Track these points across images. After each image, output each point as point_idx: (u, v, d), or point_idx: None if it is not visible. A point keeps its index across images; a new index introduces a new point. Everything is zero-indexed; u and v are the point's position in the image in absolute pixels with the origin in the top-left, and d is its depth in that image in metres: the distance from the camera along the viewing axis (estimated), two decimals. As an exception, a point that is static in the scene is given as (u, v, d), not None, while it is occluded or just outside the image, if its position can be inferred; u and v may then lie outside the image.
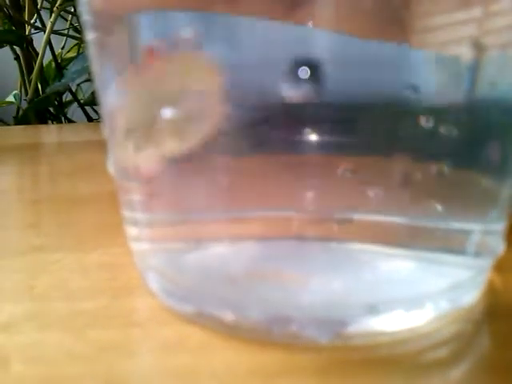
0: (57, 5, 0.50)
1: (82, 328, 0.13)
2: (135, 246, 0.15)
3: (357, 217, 0.13)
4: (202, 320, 0.13)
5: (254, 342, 0.12)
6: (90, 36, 0.14)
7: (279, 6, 0.12)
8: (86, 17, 0.14)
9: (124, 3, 0.13)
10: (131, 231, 0.15)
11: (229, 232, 0.14)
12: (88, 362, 0.12)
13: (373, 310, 0.13)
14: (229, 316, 0.13)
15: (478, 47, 0.12)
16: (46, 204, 0.23)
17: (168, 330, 0.13)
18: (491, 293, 0.14)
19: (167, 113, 0.13)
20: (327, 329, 0.13)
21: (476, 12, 0.12)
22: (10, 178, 0.27)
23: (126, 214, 0.15)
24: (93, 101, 0.53)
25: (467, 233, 0.13)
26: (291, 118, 0.12)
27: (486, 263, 0.14)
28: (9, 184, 0.26)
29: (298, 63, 0.11)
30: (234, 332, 0.13)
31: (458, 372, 0.12)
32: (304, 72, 0.11)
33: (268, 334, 0.13)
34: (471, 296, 0.14)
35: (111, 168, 0.15)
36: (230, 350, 0.12)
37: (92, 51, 0.14)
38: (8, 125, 0.53)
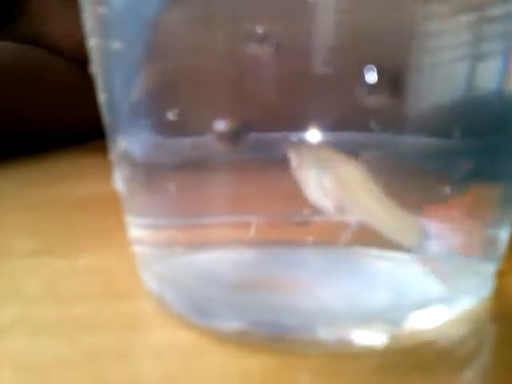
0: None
1: (72, 333, 0.13)
2: (137, 249, 0.15)
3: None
4: (202, 325, 0.13)
5: (246, 346, 0.12)
6: (93, 42, 0.14)
7: None
8: (91, 23, 0.13)
9: None
10: (134, 234, 0.15)
11: (224, 237, 0.13)
12: (79, 368, 0.12)
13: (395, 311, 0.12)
14: (235, 322, 0.12)
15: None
16: (40, 207, 0.23)
17: (161, 335, 0.13)
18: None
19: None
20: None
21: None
22: (3, 182, 0.26)
23: (130, 218, 0.15)
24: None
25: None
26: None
27: (493, 267, 0.14)
28: (3, 188, 0.26)
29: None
30: (239, 338, 0.12)
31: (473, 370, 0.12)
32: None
33: (272, 340, 0.12)
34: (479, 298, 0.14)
35: (118, 184, 0.15)
36: (224, 354, 0.12)
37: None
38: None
